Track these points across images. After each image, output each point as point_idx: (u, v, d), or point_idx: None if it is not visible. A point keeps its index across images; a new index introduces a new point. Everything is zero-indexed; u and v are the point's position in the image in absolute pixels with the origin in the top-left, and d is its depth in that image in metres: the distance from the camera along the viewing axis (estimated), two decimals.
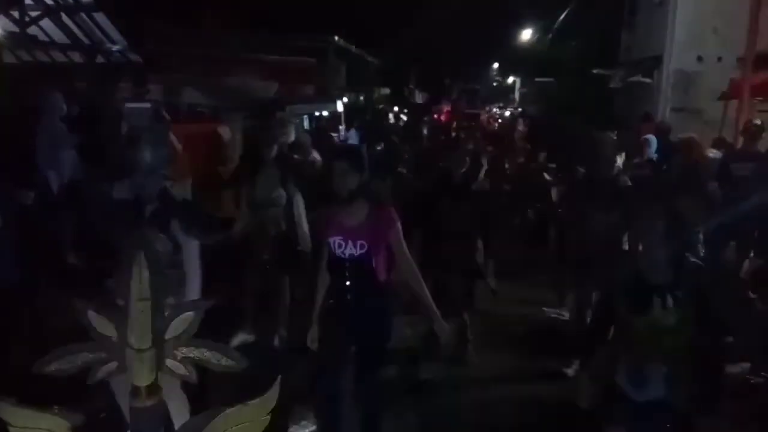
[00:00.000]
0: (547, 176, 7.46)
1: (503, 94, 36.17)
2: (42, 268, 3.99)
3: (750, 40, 8.68)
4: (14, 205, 3.74)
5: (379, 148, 8.03)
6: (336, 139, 10.60)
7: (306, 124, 11.32)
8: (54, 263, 4.10)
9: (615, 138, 4.57)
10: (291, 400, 4.06)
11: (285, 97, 12.22)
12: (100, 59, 9.38)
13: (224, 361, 1.44)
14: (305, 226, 4.77)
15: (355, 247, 3.02)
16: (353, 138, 10.59)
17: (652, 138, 7.21)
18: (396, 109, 21.12)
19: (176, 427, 1.46)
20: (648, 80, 12.50)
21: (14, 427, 1.33)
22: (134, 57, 9.45)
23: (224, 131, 6.39)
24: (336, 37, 16.06)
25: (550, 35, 21.03)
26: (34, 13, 8.38)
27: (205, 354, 1.44)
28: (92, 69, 9.24)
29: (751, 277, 4.55)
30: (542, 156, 8.69)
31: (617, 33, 15.04)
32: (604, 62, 15.19)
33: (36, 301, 4.07)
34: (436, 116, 27.12)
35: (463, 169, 4.75)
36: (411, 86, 31.21)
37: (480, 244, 4.78)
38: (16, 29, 8.23)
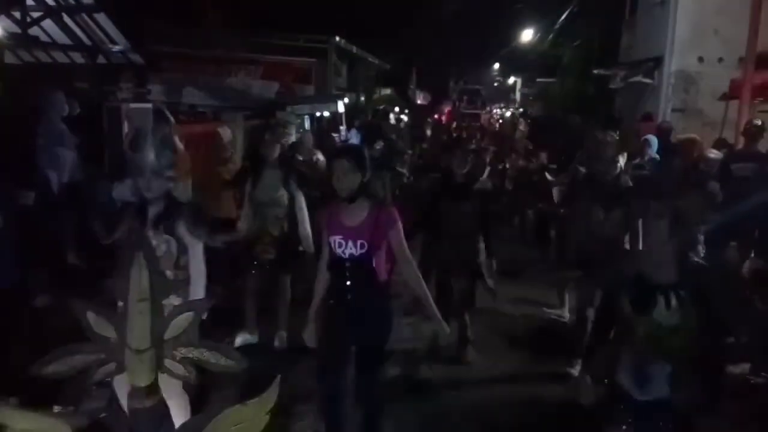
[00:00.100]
0: (548, 176, 7.45)
1: (504, 95, 36.15)
2: (42, 268, 3.99)
3: (751, 41, 8.67)
4: (15, 205, 3.74)
5: (377, 147, 8.02)
6: (337, 139, 10.60)
7: (307, 124, 11.32)
8: (54, 263, 4.10)
9: (617, 138, 4.56)
10: (291, 400, 4.07)
11: (286, 97, 12.22)
12: (101, 60, 9.38)
13: (223, 362, 1.44)
14: (307, 226, 4.77)
15: (355, 246, 3.02)
16: (354, 138, 10.59)
17: (653, 138, 7.21)
18: (397, 109, 21.10)
19: (177, 427, 1.46)
20: (649, 80, 12.47)
21: (14, 430, 1.33)
22: (135, 57, 9.45)
23: (224, 131, 6.39)
24: (337, 38, 16.04)
25: (551, 36, 21.00)
26: (35, 14, 8.39)
27: (205, 354, 1.44)
28: (93, 69, 9.25)
29: (751, 277, 4.54)
30: (543, 156, 8.69)
31: (618, 33, 15.02)
32: (605, 62, 15.17)
33: (36, 300, 4.06)
34: (436, 116, 27.14)
35: (465, 170, 4.75)
36: (412, 87, 31.15)
37: (481, 244, 4.78)
38: (17, 30, 8.24)
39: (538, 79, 24.13)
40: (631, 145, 7.31)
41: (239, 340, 4.79)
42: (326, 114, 12.82)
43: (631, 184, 4.73)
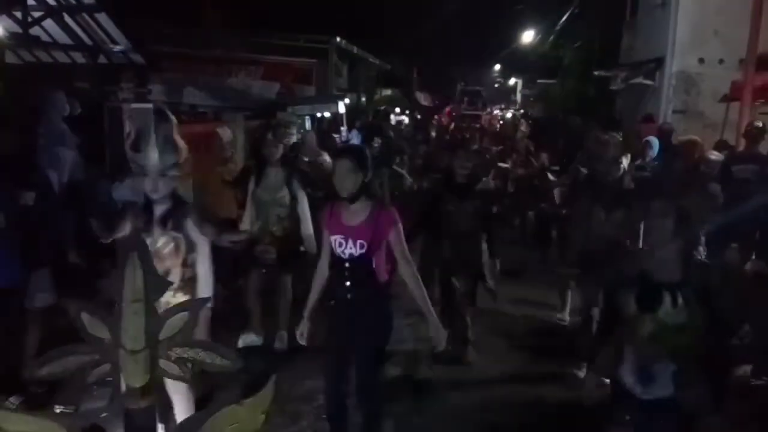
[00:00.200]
0: (550, 176, 7.46)
1: (505, 96, 36.16)
2: (43, 268, 3.99)
3: (751, 42, 8.67)
4: (15, 205, 3.74)
5: (375, 144, 8.02)
6: (338, 140, 10.60)
7: (307, 125, 11.32)
8: (55, 263, 4.09)
9: (620, 139, 4.57)
10: (292, 400, 4.07)
11: (286, 97, 12.23)
12: (102, 59, 9.39)
13: (219, 361, 1.44)
14: (310, 226, 4.77)
15: (355, 246, 3.03)
16: (355, 139, 10.59)
17: (654, 140, 7.21)
18: (398, 110, 21.11)
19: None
20: (649, 82, 12.47)
21: None
22: (136, 57, 9.45)
23: (224, 132, 6.39)
24: (338, 38, 16.04)
25: (552, 37, 21.01)
26: (36, 14, 8.39)
27: (200, 354, 1.44)
28: (94, 69, 9.25)
29: (752, 278, 4.54)
30: (544, 156, 8.69)
31: (618, 35, 15.02)
32: (606, 64, 15.18)
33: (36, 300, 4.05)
34: (437, 117, 27.15)
35: (467, 170, 4.75)
36: (413, 87, 31.18)
37: (484, 244, 4.78)
38: (18, 30, 8.24)
39: (539, 81, 24.12)
40: (632, 146, 7.31)
41: (244, 341, 4.80)
42: (327, 114, 12.82)
43: (632, 185, 4.74)
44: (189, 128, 6.40)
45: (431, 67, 36.08)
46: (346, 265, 3.07)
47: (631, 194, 4.35)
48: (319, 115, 12.55)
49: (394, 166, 6.82)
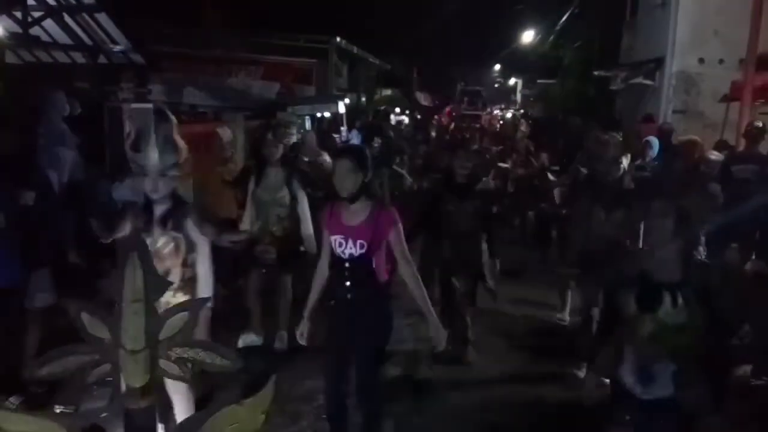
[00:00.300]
0: (550, 177, 7.46)
1: (505, 96, 36.17)
2: (43, 267, 3.99)
3: (752, 42, 8.67)
4: (15, 205, 3.74)
5: (375, 144, 8.02)
6: (337, 140, 10.60)
7: (307, 125, 11.32)
8: (55, 263, 4.10)
9: (620, 139, 4.57)
10: (292, 400, 4.07)
11: (286, 97, 12.23)
12: (102, 59, 9.39)
13: (219, 361, 1.44)
14: (310, 226, 4.78)
15: (355, 246, 3.03)
16: (355, 139, 10.59)
17: (654, 140, 7.21)
18: (398, 110, 21.11)
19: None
20: (649, 82, 12.48)
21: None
22: (136, 57, 9.45)
23: (224, 132, 6.39)
24: (338, 38, 16.04)
25: (552, 37, 21.01)
26: (36, 14, 8.39)
27: (200, 354, 1.44)
28: (94, 69, 9.25)
29: (752, 279, 4.54)
30: (544, 157, 8.69)
31: (618, 35, 15.02)
32: (606, 64, 15.18)
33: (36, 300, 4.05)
34: (438, 117, 27.15)
35: (467, 170, 4.74)
36: (414, 87, 31.19)
37: (484, 244, 4.78)
38: (19, 30, 8.24)
39: (539, 81, 24.13)
40: (632, 146, 7.31)
41: (244, 341, 4.80)
42: (327, 114, 12.82)
43: (633, 185, 4.73)
44: (189, 128, 6.40)
45: (431, 67, 36.08)
46: (346, 265, 3.07)
47: (631, 194, 4.35)
48: (319, 115, 12.55)
49: (394, 166, 6.81)
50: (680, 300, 2.39)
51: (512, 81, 34.91)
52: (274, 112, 9.61)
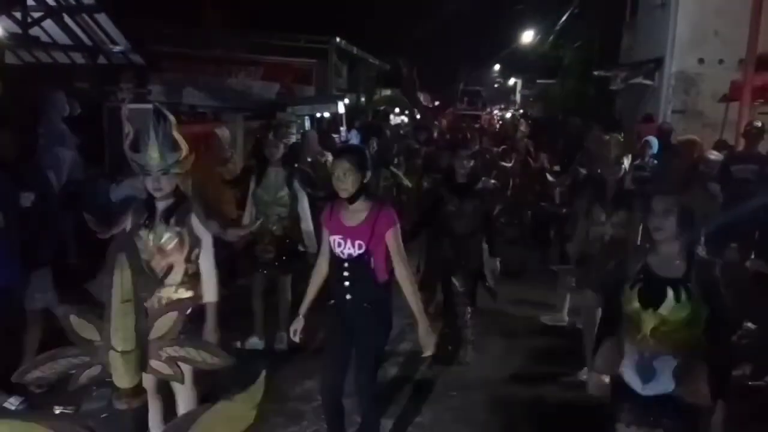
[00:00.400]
0: (549, 177, 7.46)
1: (504, 96, 36.18)
2: (43, 267, 3.99)
3: (751, 42, 8.68)
4: (15, 206, 3.74)
5: (373, 144, 8.00)
6: (337, 140, 10.59)
7: (307, 125, 11.32)
8: (55, 263, 4.10)
9: (622, 139, 4.57)
10: (292, 400, 4.07)
11: (286, 98, 12.23)
12: (101, 60, 9.39)
13: (210, 360, 1.44)
14: (310, 224, 4.78)
15: (353, 246, 3.03)
16: (354, 139, 10.59)
17: (654, 139, 7.22)
18: (397, 110, 21.10)
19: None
20: (649, 82, 12.49)
21: None
22: (136, 58, 9.45)
23: (223, 132, 6.40)
24: (337, 38, 16.04)
25: (552, 37, 21.02)
26: (36, 14, 8.39)
27: (191, 353, 1.44)
28: (94, 69, 9.25)
29: (751, 278, 4.55)
30: (544, 157, 8.69)
31: (618, 35, 15.03)
32: (605, 64, 15.19)
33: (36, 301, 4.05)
34: (439, 117, 27.13)
35: (467, 170, 4.75)
36: (415, 87, 31.18)
37: (485, 244, 4.79)
38: (18, 30, 8.24)
39: (539, 81, 24.14)
40: (631, 146, 7.31)
41: (248, 344, 4.81)
42: (326, 115, 12.82)
43: (633, 185, 4.73)
44: (188, 128, 6.40)
45: (431, 67, 36.12)
46: (345, 265, 3.07)
47: (632, 194, 4.35)
48: (318, 115, 12.55)
49: (392, 167, 6.82)
50: (683, 296, 2.39)
51: (512, 81, 34.94)
52: (274, 113, 9.61)
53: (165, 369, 1.43)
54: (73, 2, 8.50)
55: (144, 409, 1.43)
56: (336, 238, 3.08)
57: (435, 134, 15.63)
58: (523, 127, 11.37)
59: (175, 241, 2.94)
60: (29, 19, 8.27)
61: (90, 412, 3.62)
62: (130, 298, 1.34)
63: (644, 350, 2.46)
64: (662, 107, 11.85)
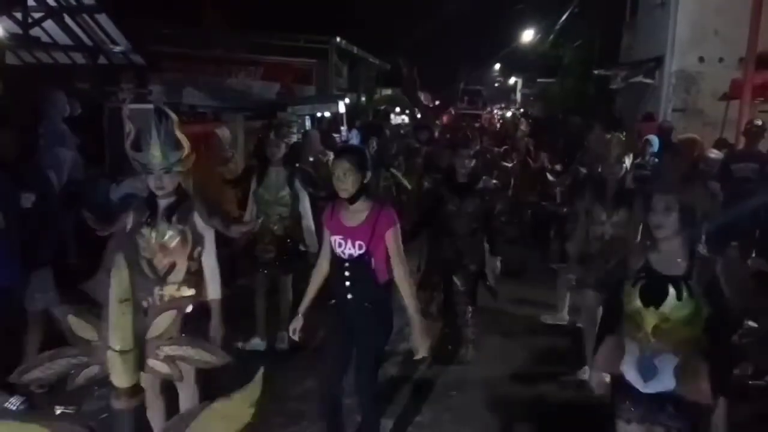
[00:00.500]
0: (549, 177, 7.46)
1: (505, 95, 36.18)
2: (43, 267, 3.99)
3: (751, 41, 8.68)
4: (16, 206, 3.75)
5: (374, 146, 8.00)
6: (337, 140, 10.59)
7: (308, 124, 11.32)
8: (55, 263, 4.10)
9: (623, 138, 4.56)
10: (292, 400, 4.07)
11: (286, 97, 12.23)
12: (102, 60, 9.40)
13: (207, 358, 1.44)
14: (311, 222, 4.78)
15: (354, 247, 3.03)
16: (355, 139, 10.59)
17: (654, 138, 7.21)
18: (398, 110, 21.10)
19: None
20: (649, 81, 12.49)
21: None
22: (136, 58, 9.46)
23: (223, 132, 6.40)
24: (338, 38, 16.04)
25: (552, 36, 21.01)
26: (37, 15, 8.41)
27: (188, 352, 1.44)
28: (94, 70, 9.26)
29: (752, 277, 4.54)
30: (544, 156, 8.69)
31: (618, 34, 15.03)
32: (606, 63, 15.19)
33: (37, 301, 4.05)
34: (440, 117, 27.13)
35: (468, 169, 4.74)
36: (416, 87, 31.19)
37: (485, 243, 4.78)
38: (19, 30, 8.26)
39: (539, 80, 24.14)
40: (632, 145, 7.31)
41: (250, 345, 4.82)
42: (327, 114, 12.82)
43: (633, 184, 4.72)
44: (189, 128, 6.40)
45: (431, 67, 36.14)
46: (346, 265, 3.08)
47: (632, 193, 4.35)
48: (319, 115, 12.55)
49: (392, 169, 6.82)
50: (685, 293, 2.39)
51: (512, 80, 34.94)
52: (274, 112, 9.61)
53: (163, 368, 1.43)
54: (74, 3, 8.52)
55: (142, 409, 1.43)
56: (336, 239, 3.09)
57: (436, 133, 15.62)
58: (523, 126, 11.37)
59: (178, 239, 2.93)
60: (30, 20, 8.29)
61: (90, 412, 3.62)
62: (128, 298, 1.33)
63: (645, 348, 2.46)
64: (662, 106, 11.86)
